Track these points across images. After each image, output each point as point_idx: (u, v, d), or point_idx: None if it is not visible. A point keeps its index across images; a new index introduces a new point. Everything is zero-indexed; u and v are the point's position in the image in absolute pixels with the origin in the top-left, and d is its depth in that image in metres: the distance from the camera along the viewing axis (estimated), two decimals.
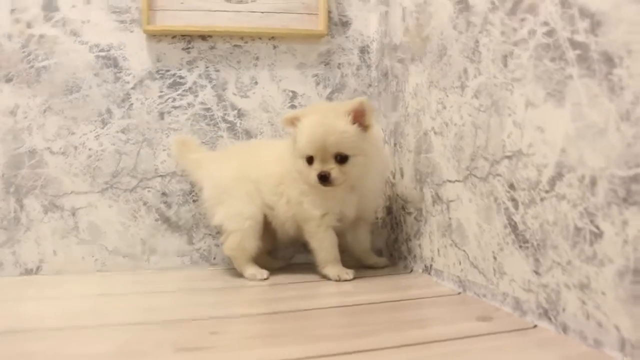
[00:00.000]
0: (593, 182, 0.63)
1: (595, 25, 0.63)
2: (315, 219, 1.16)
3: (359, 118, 1.10)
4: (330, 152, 1.08)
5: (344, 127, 1.08)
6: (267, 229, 1.26)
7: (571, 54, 0.67)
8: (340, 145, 1.08)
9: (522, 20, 0.78)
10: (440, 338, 0.72)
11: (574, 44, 0.67)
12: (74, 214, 1.34)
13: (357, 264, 1.27)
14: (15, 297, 1.10)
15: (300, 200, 1.16)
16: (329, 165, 1.09)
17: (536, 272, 0.75)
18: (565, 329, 0.69)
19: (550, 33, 0.71)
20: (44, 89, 1.33)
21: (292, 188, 1.17)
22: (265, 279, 1.18)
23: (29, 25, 1.32)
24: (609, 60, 0.61)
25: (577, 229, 0.66)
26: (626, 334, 0.58)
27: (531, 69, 0.76)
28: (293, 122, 1.13)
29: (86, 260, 1.35)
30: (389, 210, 1.40)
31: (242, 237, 1.20)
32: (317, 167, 1.09)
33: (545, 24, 0.72)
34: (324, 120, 1.09)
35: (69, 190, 1.34)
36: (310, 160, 1.11)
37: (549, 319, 0.72)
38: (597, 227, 0.62)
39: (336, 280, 1.13)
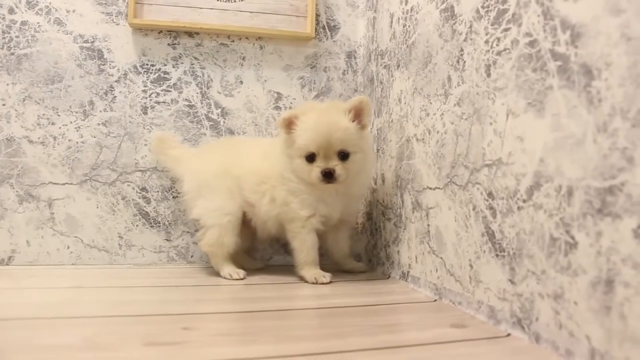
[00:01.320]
0: (570, 193, 0.63)
1: (575, 37, 0.64)
2: (300, 220, 1.15)
3: (358, 116, 1.11)
4: (334, 149, 1.09)
5: (347, 124, 1.09)
6: (246, 226, 1.26)
7: (552, 65, 0.68)
8: (344, 142, 1.09)
9: (506, 30, 0.78)
10: (413, 343, 0.72)
11: (555, 55, 0.67)
12: (50, 205, 1.32)
13: (336, 268, 1.27)
14: None
15: (287, 200, 1.15)
16: (333, 162, 1.09)
17: (511, 281, 0.75)
18: (538, 338, 0.69)
19: (532, 44, 0.72)
20: (25, 77, 1.31)
21: (279, 188, 1.16)
22: (241, 279, 1.17)
23: (10, 11, 1.30)
24: (588, 72, 0.61)
25: (553, 239, 0.66)
26: (596, 344, 0.59)
27: (513, 79, 0.76)
28: (292, 121, 1.11)
29: (61, 252, 1.33)
30: (369, 215, 1.40)
31: (220, 233, 1.19)
32: (320, 165, 1.09)
33: (528, 34, 0.73)
34: (327, 117, 1.10)
35: (46, 181, 1.32)
36: (310, 158, 1.10)
37: (523, 328, 0.73)
38: (572, 238, 0.63)
39: (313, 283, 1.13)
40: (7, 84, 1.30)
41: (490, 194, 0.81)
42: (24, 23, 1.31)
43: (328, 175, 1.08)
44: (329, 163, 1.08)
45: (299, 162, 1.11)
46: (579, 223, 0.62)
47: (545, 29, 0.69)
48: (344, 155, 1.10)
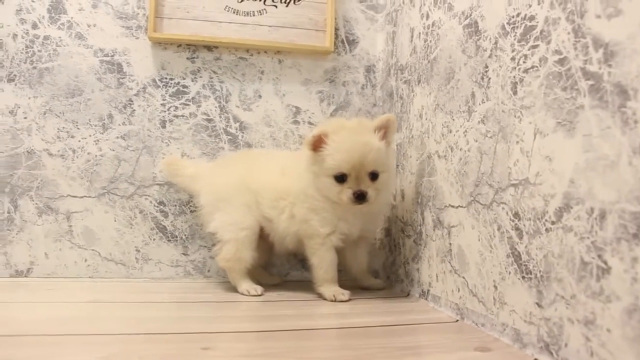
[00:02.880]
0: (602, 216, 0.61)
1: (609, 56, 0.62)
2: (320, 237, 1.14)
3: (385, 134, 1.10)
4: (365, 170, 1.07)
5: (378, 144, 1.08)
6: (263, 241, 1.24)
7: (583, 84, 0.66)
8: (376, 163, 1.08)
9: (534, 47, 0.77)
10: None
11: (587, 74, 0.66)
12: (68, 218, 1.32)
13: (353, 285, 1.25)
14: (3, 299, 1.07)
15: (307, 218, 1.14)
16: (365, 183, 1.07)
17: (538, 305, 0.73)
18: None
19: (562, 61, 0.70)
20: (46, 91, 1.32)
21: (299, 205, 1.15)
22: (259, 295, 1.16)
23: (34, 26, 1.31)
24: (623, 92, 0.59)
25: (584, 263, 0.64)
26: None
27: (541, 97, 0.74)
28: (321, 139, 1.08)
29: (78, 265, 1.33)
30: (387, 232, 1.38)
31: (237, 247, 1.18)
32: (351, 186, 1.07)
33: (557, 52, 0.71)
34: (359, 137, 1.08)
35: (65, 194, 1.32)
36: (340, 178, 1.08)
37: (550, 353, 0.71)
38: (605, 263, 0.61)
39: (331, 301, 1.11)
40: (29, 98, 1.31)
41: (516, 214, 0.79)
42: (46, 37, 1.32)
43: (360, 197, 1.06)
44: (361, 185, 1.07)
45: (327, 181, 1.09)
46: (613, 248, 0.60)
47: (576, 47, 0.67)
48: (374, 176, 1.08)
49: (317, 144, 1.09)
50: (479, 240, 0.90)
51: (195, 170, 1.31)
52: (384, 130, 1.09)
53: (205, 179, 1.27)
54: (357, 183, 1.07)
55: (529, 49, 0.78)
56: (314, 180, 1.11)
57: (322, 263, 1.14)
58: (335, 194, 1.08)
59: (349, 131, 1.09)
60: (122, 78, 1.36)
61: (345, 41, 1.50)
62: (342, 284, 1.17)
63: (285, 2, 1.43)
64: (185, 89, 1.39)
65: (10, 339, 0.77)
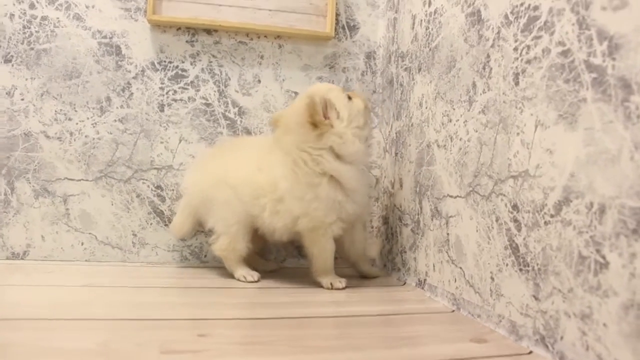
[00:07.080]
0: (602, 211, 0.61)
1: (613, 49, 0.61)
2: (323, 227, 1.10)
3: None
4: None
5: None
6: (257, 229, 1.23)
7: (586, 77, 0.65)
8: None
9: (537, 37, 0.76)
10: (434, 358, 0.70)
11: (590, 67, 0.65)
12: (65, 201, 1.32)
13: (350, 272, 1.25)
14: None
15: (308, 211, 1.09)
16: None
17: (535, 297, 0.73)
18: (562, 357, 0.67)
19: (565, 53, 0.70)
20: (43, 72, 1.30)
21: (293, 200, 1.09)
22: (255, 282, 1.16)
23: (31, 6, 1.30)
24: (626, 86, 0.59)
25: (582, 257, 0.64)
26: None
27: (543, 89, 0.74)
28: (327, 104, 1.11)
29: (75, 248, 1.32)
30: (385, 220, 1.38)
31: (231, 240, 1.18)
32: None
33: (561, 43, 0.71)
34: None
35: (62, 176, 1.32)
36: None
37: (546, 346, 0.71)
38: (603, 257, 0.61)
39: (328, 289, 1.11)
40: (26, 79, 1.30)
41: (515, 206, 0.79)
42: (44, 18, 1.30)
43: None
44: None
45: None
46: (611, 243, 0.59)
47: (580, 38, 0.67)
48: None
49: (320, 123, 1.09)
50: (477, 231, 0.90)
51: (182, 202, 1.30)
52: None
53: (191, 180, 1.27)
54: None
55: (532, 40, 0.77)
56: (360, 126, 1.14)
57: (323, 253, 1.13)
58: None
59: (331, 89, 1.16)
60: (121, 61, 1.35)
61: (346, 27, 1.48)
62: (339, 272, 1.17)
63: None
64: (184, 73, 1.38)
65: (7, 323, 0.77)
